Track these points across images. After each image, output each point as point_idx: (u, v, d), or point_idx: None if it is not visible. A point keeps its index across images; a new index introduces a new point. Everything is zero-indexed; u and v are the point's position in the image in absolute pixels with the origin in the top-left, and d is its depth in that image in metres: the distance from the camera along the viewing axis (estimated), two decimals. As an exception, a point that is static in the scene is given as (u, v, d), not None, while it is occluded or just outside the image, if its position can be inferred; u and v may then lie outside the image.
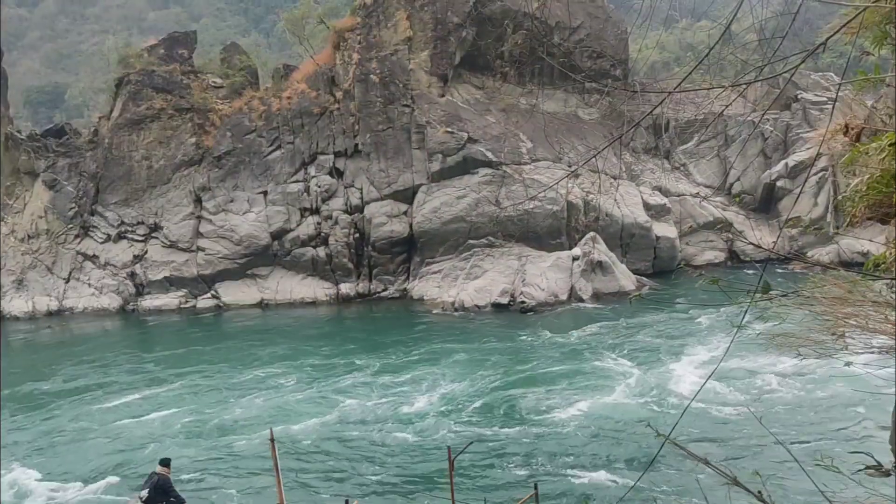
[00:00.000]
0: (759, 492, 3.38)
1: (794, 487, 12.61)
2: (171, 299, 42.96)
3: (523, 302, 35.37)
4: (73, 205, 46.18)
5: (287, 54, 71.78)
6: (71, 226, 46.07)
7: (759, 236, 41.74)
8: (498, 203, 39.82)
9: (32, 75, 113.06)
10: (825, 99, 45.69)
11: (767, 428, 16.33)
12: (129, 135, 45.70)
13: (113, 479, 17.17)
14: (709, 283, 4.22)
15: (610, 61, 47.65)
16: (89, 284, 44.47)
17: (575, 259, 37.16)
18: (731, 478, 3.24)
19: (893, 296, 4.15)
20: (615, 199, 40.66)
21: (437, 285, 38.99)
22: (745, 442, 16.51)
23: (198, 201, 44.76)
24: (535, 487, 10.88)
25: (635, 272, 39.43)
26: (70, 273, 45.32)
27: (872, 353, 4.04)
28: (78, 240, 45.99)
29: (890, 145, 4.44)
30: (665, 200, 43.62)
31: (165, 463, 13.03)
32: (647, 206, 42.30)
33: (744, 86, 4.47)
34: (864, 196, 4.97)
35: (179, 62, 47.46)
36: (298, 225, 43.08)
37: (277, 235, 42.96)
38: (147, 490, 12.50)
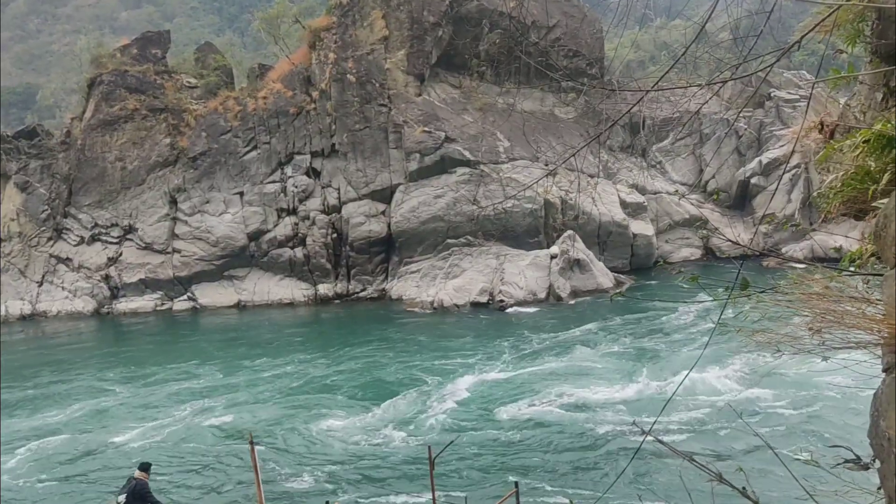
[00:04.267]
0: (744, 487, 3.40)
1: (776, 482, 12.72)
2: (146, 302, 42.52)
3: (502, 301, 35.44)
4: (46, 207, 45.54)
5: (262, 54, 71.34)
6: (43, 228, 45.44)
7: (734, 233, 42.17)
8: (476, 202, 39.85)
9: (3, 76, 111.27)
10: (798, 97, 46.28)
11: (748, 424, 16.48)
12: (102, 136, 45.17)
13: (84, 483, 16.94)
14: (689, 281, 4.24)
15: (586, 60, 47.87)
16: (63, 287, 43.88)
17: (553, 257, 37.30)
18: (716, 474, 3.26)
19: (870, 290, 4.21)
20: (592, 198, 40.88)
21: (416, 285, 38.95)
22: (727, 438, 16.65)
23: (173, 202, 44.32)
24: (516, 485, 10.88)
25: (613, 270, 39.68)
26: (43, 276, 44.70)
27: (850, 348, 4.09)
28: (51, 242, 45.37)
29: (864, 142, 4.48)
30: (642, 198, 43.94)
31: (144, 468, 12.58)
32: (624, 205, 42.57)
33: (719, 84, 4.49)
34: (838, 192, 5.02)
35: (153, 62, 47.00)
36: (275, 226, 42.82)
37: (254, 236, 42.67)
38: (124, 495, 12.24)
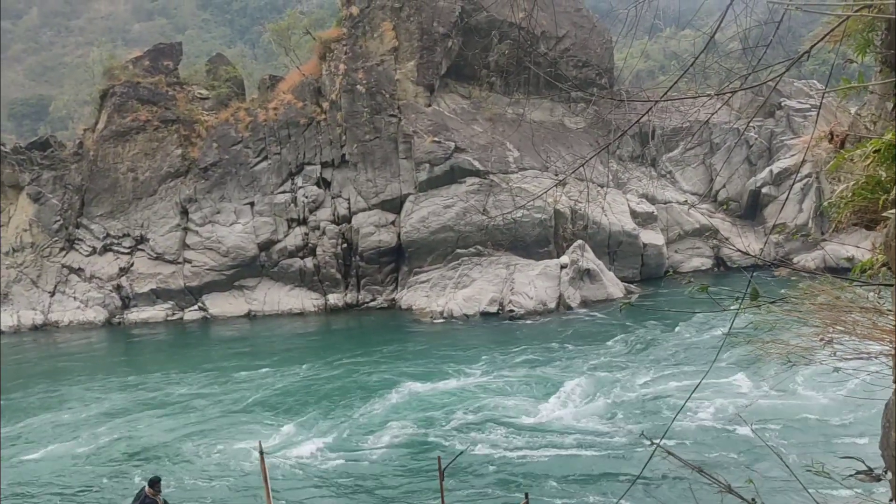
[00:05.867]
0: (753, 499, 3.38)
1: (787, 494, 12.63)
2: (157, 312, 42.67)
3: (512, 310, 35.38)
4: (58, 217, 45.86)
5: (273, 65, 71.75)
6: (56, 239, 45.73)
7: (745, 243, 41.99)
8: (486, 212, 39.87)
9: (16, 88, 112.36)
10: (808, 106, 46.14)
11: (759, 435, 16.36)
12: (114, 147, 45.47)
13: (86, 490, 16.96)
14: (698, 291, 4.23)
15: (595, 70, 47.92)
16: (75, 298, 44.10)
17: (563, 267, 37.23)
18: (725, 486, 3.24)
19: (881, 301, 4.18)
20: (602, 208, 40.83)
21: (426, 295, 38.94)
22: (737, 449, 16.53)
23: (184, 213, 44.54)
24: (526, 497, 10.83)
25: (623, 280, 39.58)
26: (55, 286, 44.94)
27: (861, 358, 4.06)
28: (63, 253, 45.65)
29: (874, 152, 4.47)
30: (652, 208, 43.85)
31: (153, 483, 12.34)
32: (635, 214, 42.50)
33: (729, 94, 4.49)
34: (849, 202, 5.00)
35: (165, 74, 47.30)
36: (286, 236, 42.95)
37: (265, 246, 42.80)
38: (134, 511, 12.14)
